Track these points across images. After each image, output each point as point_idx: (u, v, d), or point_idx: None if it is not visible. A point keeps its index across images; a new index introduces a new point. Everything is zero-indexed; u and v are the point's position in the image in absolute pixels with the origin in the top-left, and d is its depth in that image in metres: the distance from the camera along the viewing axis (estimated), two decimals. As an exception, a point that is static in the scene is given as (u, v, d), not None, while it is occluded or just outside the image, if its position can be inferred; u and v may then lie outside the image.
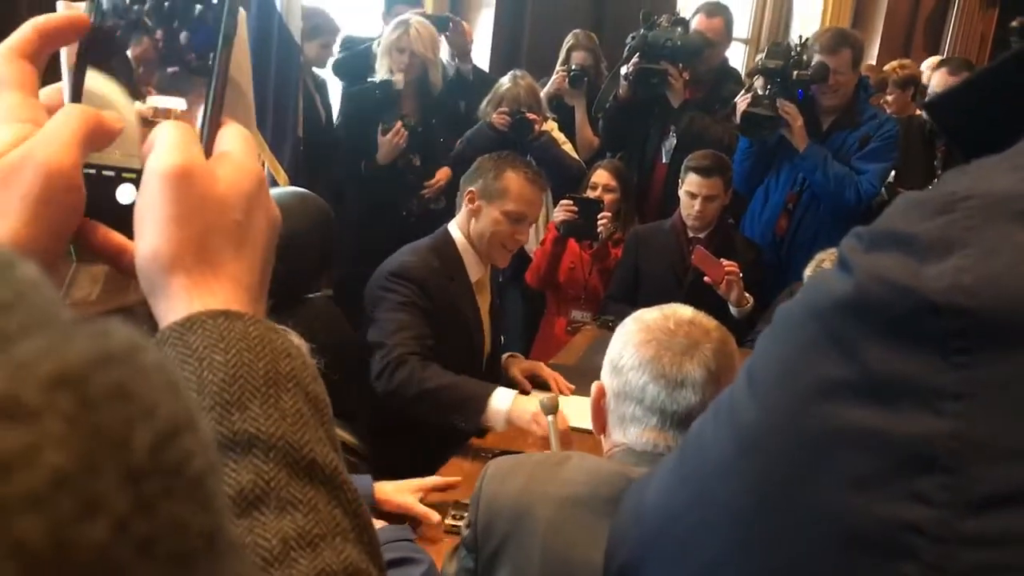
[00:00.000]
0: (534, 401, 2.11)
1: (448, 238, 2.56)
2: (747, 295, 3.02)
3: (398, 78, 3.58)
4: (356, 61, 3.96)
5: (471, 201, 2.52)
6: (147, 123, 0.50)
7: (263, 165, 3.18)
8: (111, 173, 0.49)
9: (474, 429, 2.22)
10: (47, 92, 0.50)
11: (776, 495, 0.45)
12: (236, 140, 0.50)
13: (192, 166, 0.46)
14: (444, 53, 3.96)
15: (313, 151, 3.57)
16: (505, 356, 2.73)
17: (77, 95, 0.50)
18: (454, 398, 2.20)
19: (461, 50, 4.09)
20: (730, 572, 0.48)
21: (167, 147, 0.46)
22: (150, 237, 0.45)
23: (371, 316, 2.39)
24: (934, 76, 4.38)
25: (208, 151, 0.49)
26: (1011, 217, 0.40)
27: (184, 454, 0.22)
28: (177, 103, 0.50)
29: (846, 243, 0.46)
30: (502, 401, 2.17)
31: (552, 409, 1.94)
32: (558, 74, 3.95)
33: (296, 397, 0.44)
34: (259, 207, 0.48)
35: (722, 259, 2.99)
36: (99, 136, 0.46)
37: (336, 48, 3.98)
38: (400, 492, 1.65)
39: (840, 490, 0.42)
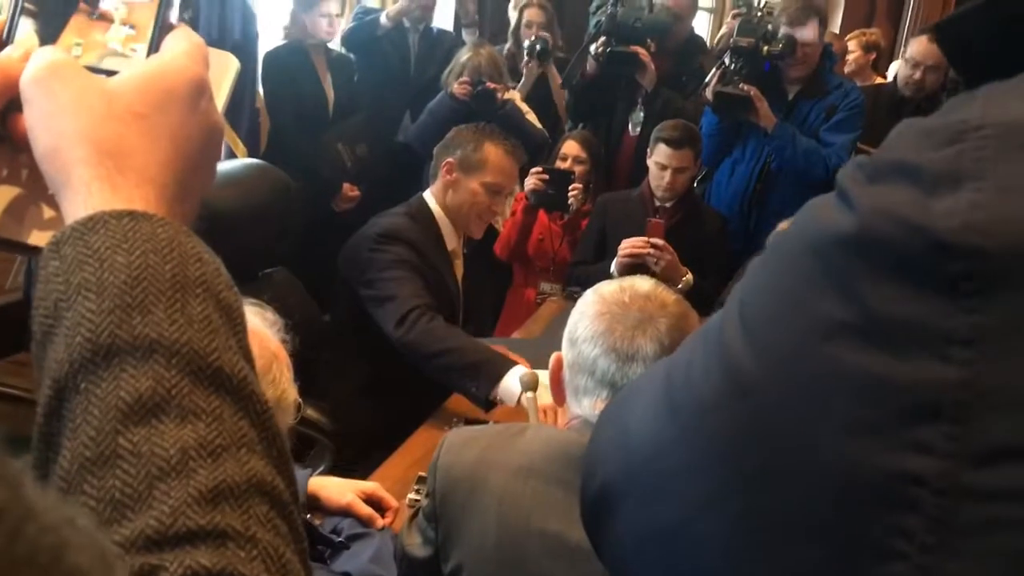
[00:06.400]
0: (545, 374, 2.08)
1: (424, 206, 2.53)
2: (686, 270, 2.99)
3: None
4: (363, 32, 3.92)
5: (448, 172, 2.49)
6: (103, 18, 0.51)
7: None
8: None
9: (483, 400, 2.14)
10: None
11: (769, 439, 0.43)
12: (177, 42, 0.49)
13: (61, 62, 0.46)
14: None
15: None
16: None
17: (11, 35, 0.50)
18: (474, 360, 2.14)
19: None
20: (716, 513, 0.45)
21: (43, 51, 0.47)
22: (39, 134, 0.45)
23: (363, 278, 2.35)
24: (912, 43, 4.32)
25: (156, 48, 0.50)
26: None
27: None
28: None
29: (846, 173, 0.42)
30: (515, 376, 2.08)
31: (531, 386, 1.96)
32: (526, 66, 3.91)
33: (205, 303, 0.41)
34: (182, 106, 0.47)
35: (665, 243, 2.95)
36: (6, 87, 0.46)
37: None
38: (342, 492, 1.64)
39: (838, 437, 0.40)
